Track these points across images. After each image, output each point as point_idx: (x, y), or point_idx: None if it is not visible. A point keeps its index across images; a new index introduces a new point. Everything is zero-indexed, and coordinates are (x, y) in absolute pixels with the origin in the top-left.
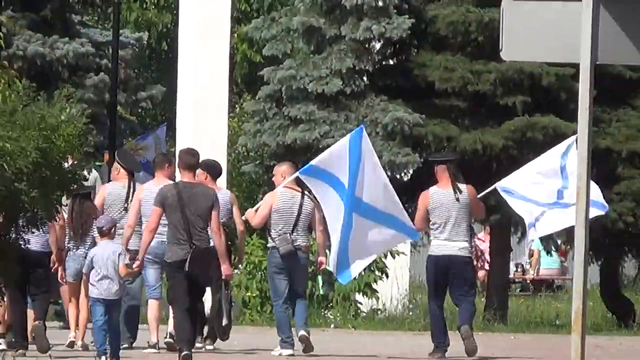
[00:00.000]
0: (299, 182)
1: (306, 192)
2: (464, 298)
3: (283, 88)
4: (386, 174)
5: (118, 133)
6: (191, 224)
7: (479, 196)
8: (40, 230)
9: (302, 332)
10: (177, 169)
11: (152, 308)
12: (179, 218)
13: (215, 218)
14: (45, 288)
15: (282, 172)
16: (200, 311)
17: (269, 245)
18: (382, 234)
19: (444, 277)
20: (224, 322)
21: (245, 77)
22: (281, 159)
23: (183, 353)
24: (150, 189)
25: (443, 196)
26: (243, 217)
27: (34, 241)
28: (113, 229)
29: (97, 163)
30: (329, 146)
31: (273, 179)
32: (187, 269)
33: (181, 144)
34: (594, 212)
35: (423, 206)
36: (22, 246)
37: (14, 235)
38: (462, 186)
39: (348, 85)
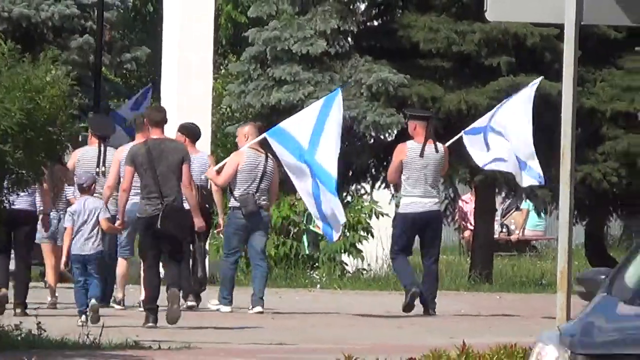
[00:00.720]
0: (262, 143)
1: (269, 154)
2: (433, 264)
3: (267, 49)
4: (370, 134)
5: (103, 95)
6: (162, 179)
7: (447, 144)
8: (26, 190)
9: (257, 308)
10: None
11: (120, 266)
12: (149, 175)
13: (186, 172)
14: (27, 248)
15: (246, 133)
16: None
17: (230, 204)
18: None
19: (414, 232)
20: (199, 274)
21: (229, 39)
22: (266, 120)
23: (147, 306)
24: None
25: (420, 151)
26: (202, 176)
27: (19, 200)
28: (93, 186)
29: (82, 125)
30: None
31: (236, 139)
32: (159, 226)
33: (166, 105)
34: (528, 180)
35: (398, 159)
36: (7, 206)
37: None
38: (438, 144)
39: (332, 46)
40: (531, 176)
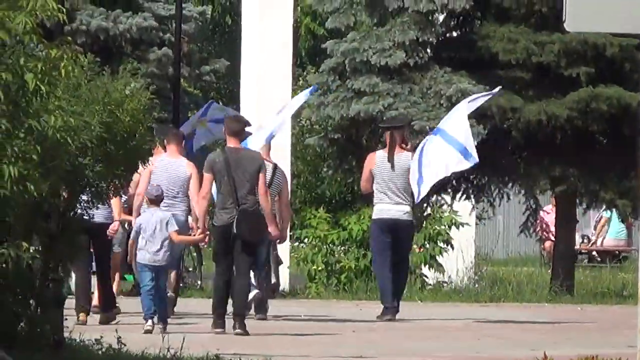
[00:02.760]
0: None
1: (278, 165)
2: (401, 267)
3: (346, 61)
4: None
5: (182, 107)
6: (238, 188)
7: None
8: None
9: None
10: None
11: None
12: (227, 182)
13: (262, 181)
14: (107, 258)
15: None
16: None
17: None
18: None
19: (389, 239)
20: (272, 280)
21: (308, 50)
22: (345, 132)
23: (236, 331)
24: (163, 159)
25: (387, 161)
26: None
27: (97, 213)
28: (162, 198)
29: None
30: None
31: None
32: (235, 231)
33: (246, 117)
34: (463, 164)
35: (368, 168)
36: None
37: (79, 211)
38: (407, 153)
39: (411, 57)
40: (466, 158)
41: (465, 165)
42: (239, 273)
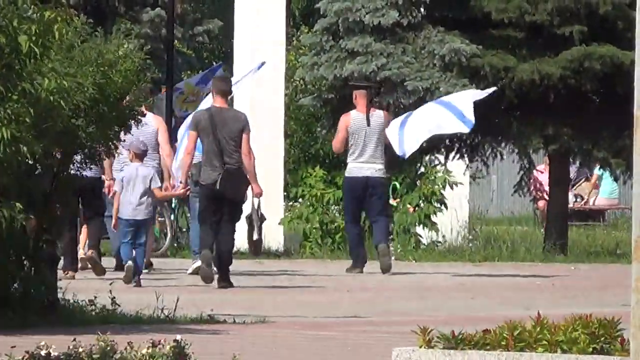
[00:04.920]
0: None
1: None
2: (380, 216)
3: (339, 20)
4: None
5: (175, 68)
6: (223, 146)
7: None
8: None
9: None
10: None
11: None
12: (211, 140)
13: (246, 140)
14: (98, 210)
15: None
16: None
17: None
18: None
19: (361, 197)
20: (255, 237)
21: (302, 11)
22: (338, 92)
23: (220, 284)
24: None
25: (362, 120)
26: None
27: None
28: (146, 153)
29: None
30: (386, 78)
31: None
32: (217, 187)
33: (239, 77)
34: (457, 127)
35: (344, 128)
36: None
37: (72, 171)
38: (379, 111)
39: (404, 16)
40: (464, 122)
41: (461, 128)
42: (224, 229)
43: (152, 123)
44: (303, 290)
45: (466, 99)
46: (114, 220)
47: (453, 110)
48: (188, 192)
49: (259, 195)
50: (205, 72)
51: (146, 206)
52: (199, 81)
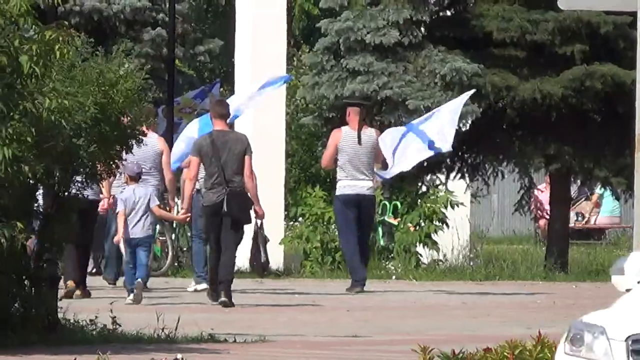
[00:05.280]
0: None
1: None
2: (364, 241)
3: (340, 40)
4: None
5: (176, 87)
6: (225, 169)
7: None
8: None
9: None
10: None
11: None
12: (215, 164)
13: (248, 163)
14: (90, 235)
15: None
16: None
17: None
18: None
19: (353, 215)
20: (262, 259)
21: (302, 30)
22: (339, 111)
23: (221, 299)
24: None
25: (353, 137)
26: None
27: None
28: (141, 175)
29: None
30: (387, 97)
31: None
32: (225, 210)
33: (240, 97)
34: (424, 154)
35: (334, 143)
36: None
37: (73, 191)
38: (370, 129)
39: (405, 36)
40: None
41: (428, 153)
42: (227, 247)
43: (156, 144)
44: (303, 309)
45: (444, 121)
46: (118, 237)
47: (423, 139)
48: (188, 219)
49: (261, 217)
50: (203, 88)
51: (146, 224)
52: (196, 95)
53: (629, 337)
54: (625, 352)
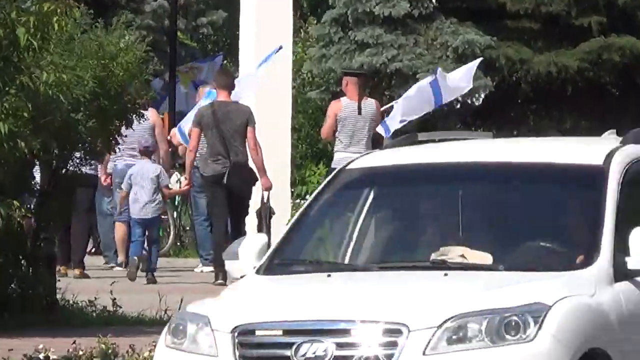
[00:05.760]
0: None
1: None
2: None
3: (349, 11)
4: (457, 98)
5: (178, 60)
6: (227, 140)
7: (382, 109)
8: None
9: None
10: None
11: (118, 231)
12: (215, 135)
13: (251, 134)
14: (88, 210)
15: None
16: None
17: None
18: None
19: None
20: (263, 232)
21: (310, 1)
22: None
23: (216, 263)
24: None
25: (353, 108)
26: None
27: None
28: (151, 149)
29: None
30: (397, 71)
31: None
32: (225, 182)
33: (244, 70)
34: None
35: (333, 114)
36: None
37: (71, 168)
38: (371, 100)
39: (416, 7)
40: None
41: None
42: (232, 225)
43: (149, 117)
44: None
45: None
46: (117, 215)
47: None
48: (190, 188)
49: (268, 188)
50: (205, 61)
51: (156, 204)
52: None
53: (235, 328)
54: (231, 344)
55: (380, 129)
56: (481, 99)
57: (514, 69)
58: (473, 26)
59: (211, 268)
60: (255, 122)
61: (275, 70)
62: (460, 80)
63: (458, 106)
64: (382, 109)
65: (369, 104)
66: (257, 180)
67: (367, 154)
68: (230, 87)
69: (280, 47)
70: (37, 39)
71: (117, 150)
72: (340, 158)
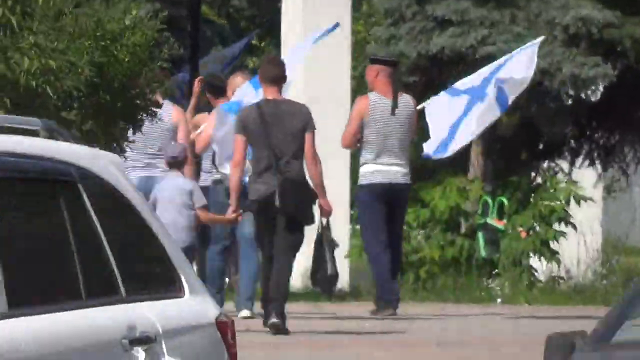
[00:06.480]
0: None
1: None
2: (397, 243)
3: None
4: (568, 92)
5: (203, 42)
6: (279, 151)
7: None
8: None
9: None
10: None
11: None
12: (263, 145)
13: (309, 142)
14: None
15: (233, 87)
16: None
17: (215, 177)
18: None
19: (384, 211)
20: (329, 271)
21: None
22: (424, 74)
23: (271, 321)
24: None
25: (385, 106)
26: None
27: None
28: (187, 160)
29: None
30: (488, 55)
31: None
32: (277, 204)
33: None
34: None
35: (359, 115)
36: None
37: None
38: (407, 97)
39: None
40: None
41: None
42: (279, 254)
43: (168, 115)
44: (378, 343)
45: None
46: None
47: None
48: (240, 218)
49: (328, 214)
50: (238, 46)
51: (183, 230)
52: (230, 57)
53: None
54: None
55: (428, 147)
56: (599, 93)
57: None
58: None
59: (247, 312)
60: (315, 127)
61: (328, 55)
62: (525, 67)
63: (570, 102)
64: (418, 107)
65: (405, 101)
66: (316, 197)
67: None
68: (281, 81)
69: (337, 25)
70: (16, 14)
71: (124, 159)
72: (371, 171)
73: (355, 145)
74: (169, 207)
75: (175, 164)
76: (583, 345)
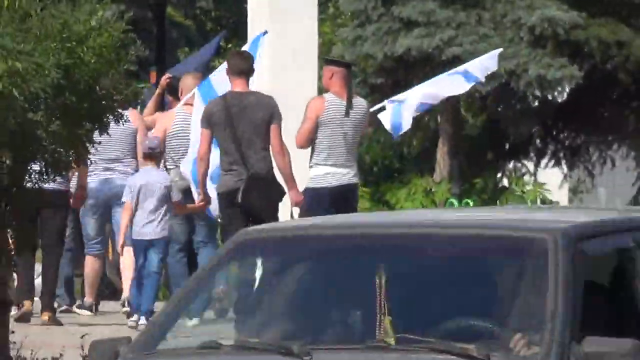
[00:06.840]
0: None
1: None
2: None
3: None
4: (533, 93)
5: (169, 44)
6: (244, 143)
7: (371, 110)
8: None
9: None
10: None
11: (89, 265)
12: (228, 137)
13: (276, 133)
14: (58, 239)
15: (186, 87)
16: None
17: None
18: None
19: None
20: None
21: None
22: (390, 76)
23: None
24: None
25: (339, 107)
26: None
27: None
28: (162, 154)
29: (141, 85)
30: (455, 58)
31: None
32: (239, 201)
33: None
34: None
35: (314, 115)
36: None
37: (29, 184)
38: (360, 99)
39: None
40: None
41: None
42: None
43: (130, 120)
44: None
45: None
46: (120, 240)
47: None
48: (205, 205)
49: (298, 203)
50: (206, 47)
51: (159, 222)
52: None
53: None
54: None
55: (388, 126)
56: (565, 94)
57: (608, 55)
58: None
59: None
60: (282, 118)
61: (295, 56)
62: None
63: (536, 103)
64: (371, 109)
65: (360, 104)
66: (283, 194)
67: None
68: (248, 73)
69: (265, 32)
70: None
71: (90, 162)
72: (320, 173)
73: (309, 144)
74: (147, 200)
75: (152, 155)
76: (127, 352)
